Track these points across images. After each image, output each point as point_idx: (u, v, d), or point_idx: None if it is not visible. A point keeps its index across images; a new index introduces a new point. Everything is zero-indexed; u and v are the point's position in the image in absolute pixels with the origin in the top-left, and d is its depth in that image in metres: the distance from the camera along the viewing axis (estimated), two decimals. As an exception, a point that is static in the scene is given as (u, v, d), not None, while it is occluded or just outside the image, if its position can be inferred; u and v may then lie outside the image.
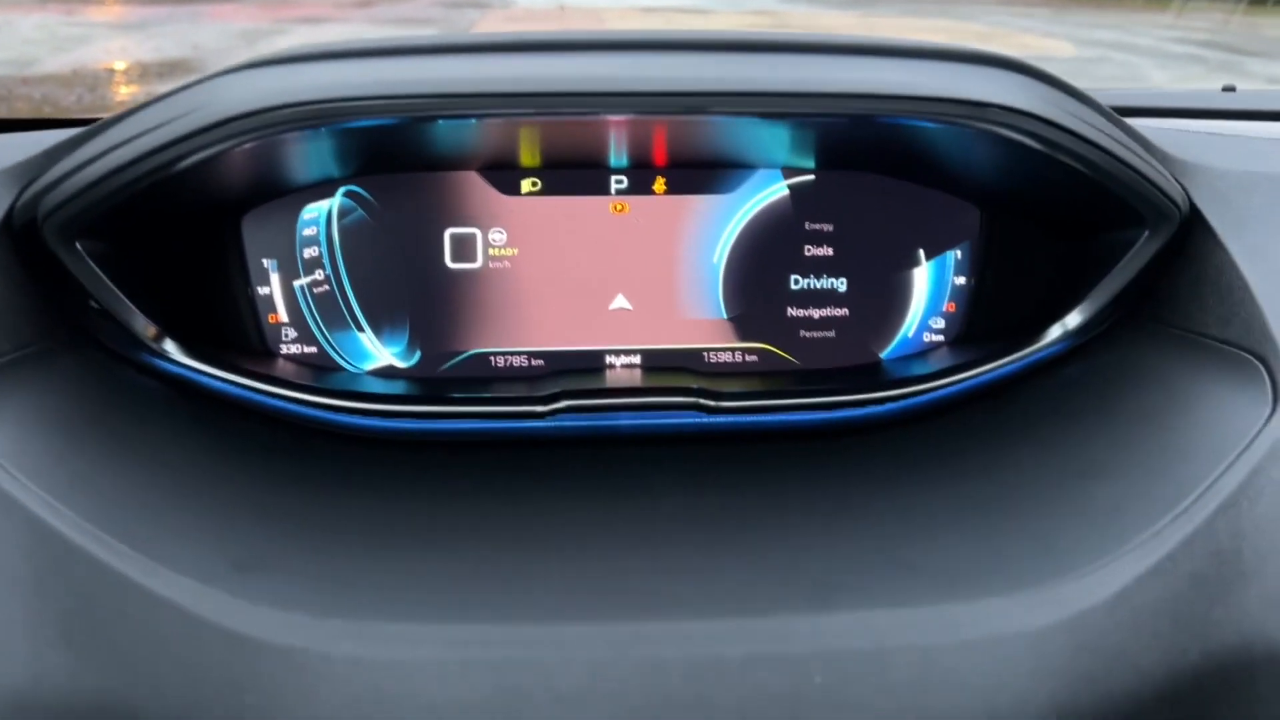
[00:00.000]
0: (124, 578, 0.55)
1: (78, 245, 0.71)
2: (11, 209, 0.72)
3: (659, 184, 0.84)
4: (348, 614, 0.54)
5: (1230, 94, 1.22)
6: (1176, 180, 0.75)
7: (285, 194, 0.82)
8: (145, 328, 0.74)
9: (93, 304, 0.74)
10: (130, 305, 0.74)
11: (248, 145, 0.68)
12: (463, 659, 0.52)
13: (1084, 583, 0.56)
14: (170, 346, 0.75)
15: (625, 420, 0.78)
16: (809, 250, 0.86)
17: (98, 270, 0.72)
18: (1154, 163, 0.74)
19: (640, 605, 0.57)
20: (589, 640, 0.53)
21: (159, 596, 0.54)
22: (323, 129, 0.69)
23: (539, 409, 0.77)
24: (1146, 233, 0.75)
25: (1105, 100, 0.76)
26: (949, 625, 0.54)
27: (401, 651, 0.52)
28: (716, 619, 0.55)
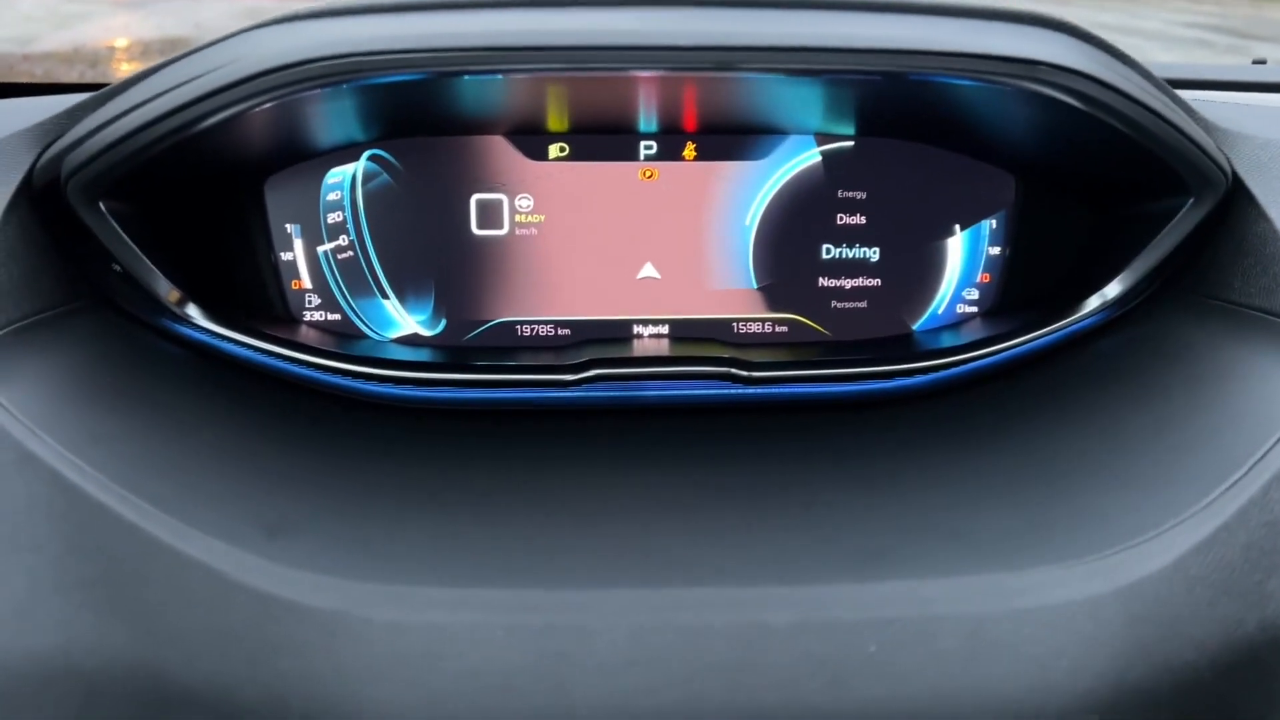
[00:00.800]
0: (153, 539, 0.54)
1: (101, 206, 0.70)
2: (32, 169, 0.71)
3: (689, 150, 0.83)
4: (385, 578, 0.53)
5: (1261, 67, 1.20)
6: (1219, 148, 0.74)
7: (309, 157, 0.80)
8: (168, 292, 0.73)
9: (115, 267, 0.72)
10: (153, 268, 0.72)
11: (271, 104, 0.66)
12: (505, 624, 0.51)
13: (1138, 552, 0.54)
14: (193, 311, 0.74)
15: (653, 390, 0.77)
16: (841, 219, 0.84)
17: (121, 231, 0.71)
18: (1200, 129, 0.72)
19: (683, 571, 0.56)
20: (632, 606, 0.52)
21: (190, 558, 0.53)
22: (346, 88, 0.67)
23: (567, 378, 0.76)
24: (1191, 200, 0.73)
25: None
26: (1000, 594, 0.53)
27: (442, 616, 0.51)
28: (762, 586, 0.54)
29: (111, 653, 0.51)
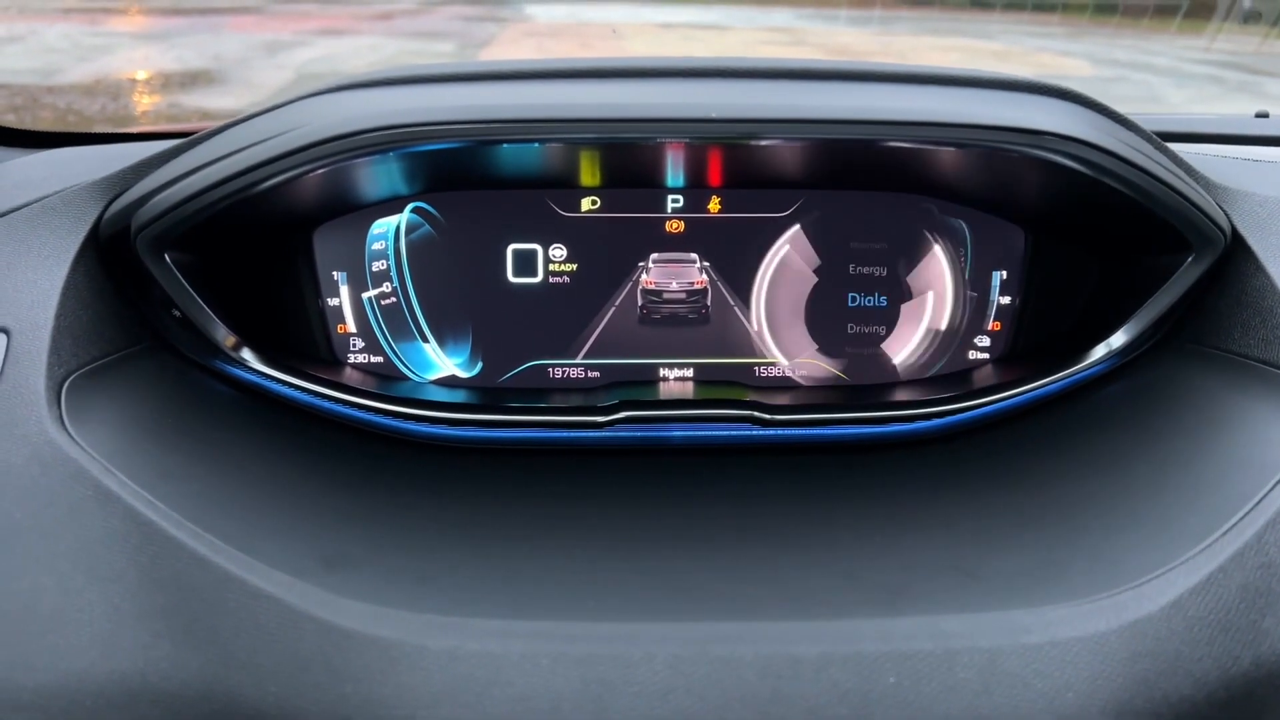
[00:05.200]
0: (223, 571, 0.58)
1: (166, 257, 0.74)
2: (99, 221, 0.75)
3: (714, 203, 0.87)
4: (440, 609, 0.57)
5: (1264, 120, 1.25)
6: (1219, 205, 0.78)
7: (355, 209, 0.85)
8: (225, 337, 0.78)
9: (175, 313, 0.77)
10: (211, 315, 0.77)
11: (325, 168, 0.71)
12: (552, 653, 0.54)
13: (1140, 592, 0.58)
14: (247, 354, 0.79)
15: (678, 431, 0.81)
16: (858, 269, 0.88)
17: (183, 281, 0.75)
18: (1199, 189, 0.77)
19: (717, 606, 0.60)
20: (670, 638, 0.56)
21: (258, 590, 0.57)
22: (393, 153, 0.72)
23: (599, 419, 0.80)
24: (1191, 256, 0.78)
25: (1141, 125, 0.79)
26: (1012, 630, 0.56)
27: (493, 645, 0.55)
28: (791, 620, 0.57)
29: (187, 676, 0.55)
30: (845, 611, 0.59)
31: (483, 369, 0.88)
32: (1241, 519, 0.62)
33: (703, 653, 0.55)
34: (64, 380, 0.68)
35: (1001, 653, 0.55)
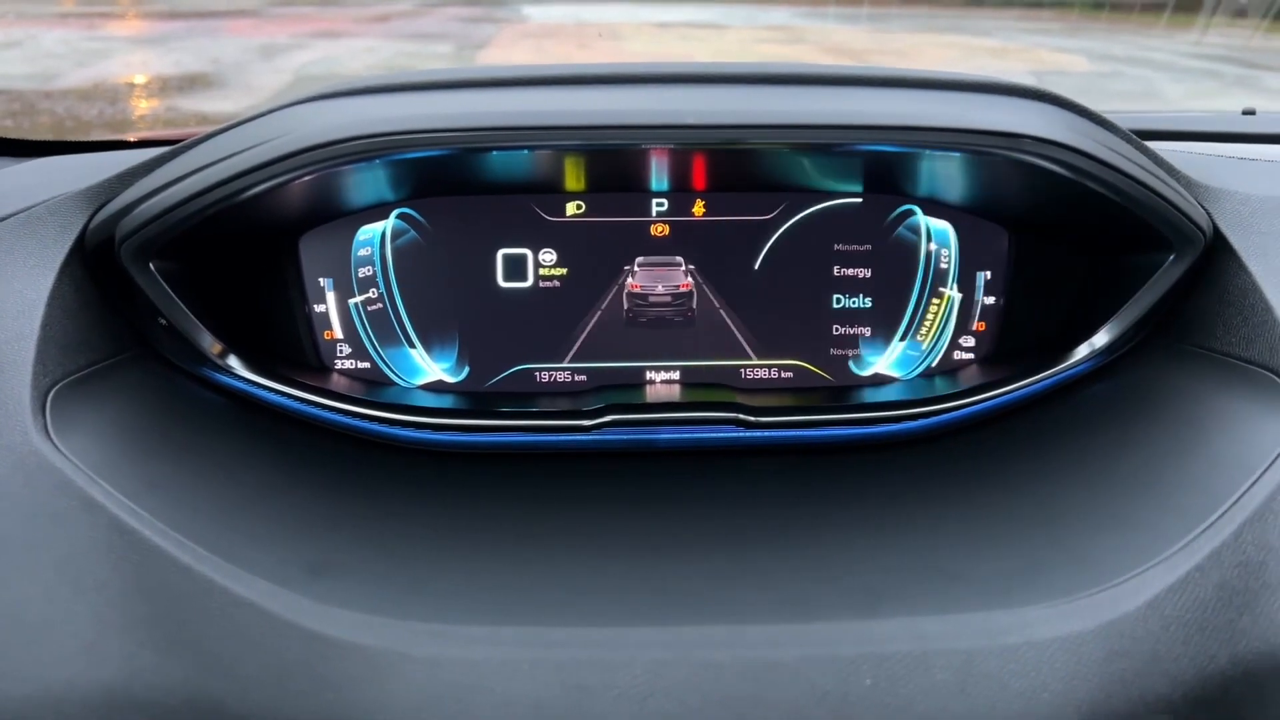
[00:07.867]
0: (207, 580, 0.58)
1: (151, 266, 0.75)
2: (85, 230, 0.76)
3: (698, 207, 0.87)
4: (422, 616, 0.57)
5: (1250, 117, 1.25)
6: (1200, 204, 0.78)
7: (341, 216, 0.85)
8: (211, 344, 0.78)
9: (160, 321, 0.77)
10: (198, 322, 0.77)
11: (311, 176, 0.71)
12: (533, 658, 0.55)
13: (1117, 592, 0.58)
14: (233, 362, 0.79)
15: (665, 434, 0.81)
16: (843, 270, 0.89)
17: (168, 289, 0.76)
18: (1179, 188, 0.77)
19: (697, 610, 0.60)
20: (650, 642, 0.56)
21: (241, 598, 0.57)
22: (379, 160, 0.72)
23: (585, 423, 0.80)
24: (1172, 256, 0.78)
25: (1128, 123, 0.80)
26: (990, 631, 0.57)
27: (476, 652, 0.55)
28: (771, 623, 0.58)
29: (171, 685, 0.55)
30: (825, 614, 0.59)
31: (470, 374, 0.89)
32: (1219, 517, 0.62)
33: (683, 657, 0.55)
34: (49, 390, 0.68)
35: (979, 653, 0.56)
